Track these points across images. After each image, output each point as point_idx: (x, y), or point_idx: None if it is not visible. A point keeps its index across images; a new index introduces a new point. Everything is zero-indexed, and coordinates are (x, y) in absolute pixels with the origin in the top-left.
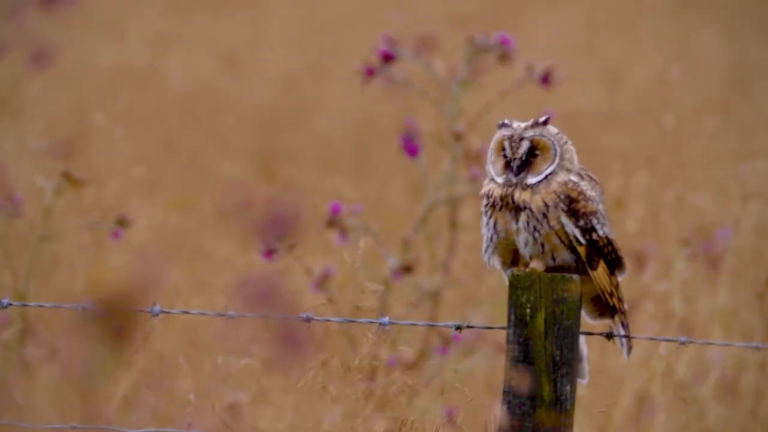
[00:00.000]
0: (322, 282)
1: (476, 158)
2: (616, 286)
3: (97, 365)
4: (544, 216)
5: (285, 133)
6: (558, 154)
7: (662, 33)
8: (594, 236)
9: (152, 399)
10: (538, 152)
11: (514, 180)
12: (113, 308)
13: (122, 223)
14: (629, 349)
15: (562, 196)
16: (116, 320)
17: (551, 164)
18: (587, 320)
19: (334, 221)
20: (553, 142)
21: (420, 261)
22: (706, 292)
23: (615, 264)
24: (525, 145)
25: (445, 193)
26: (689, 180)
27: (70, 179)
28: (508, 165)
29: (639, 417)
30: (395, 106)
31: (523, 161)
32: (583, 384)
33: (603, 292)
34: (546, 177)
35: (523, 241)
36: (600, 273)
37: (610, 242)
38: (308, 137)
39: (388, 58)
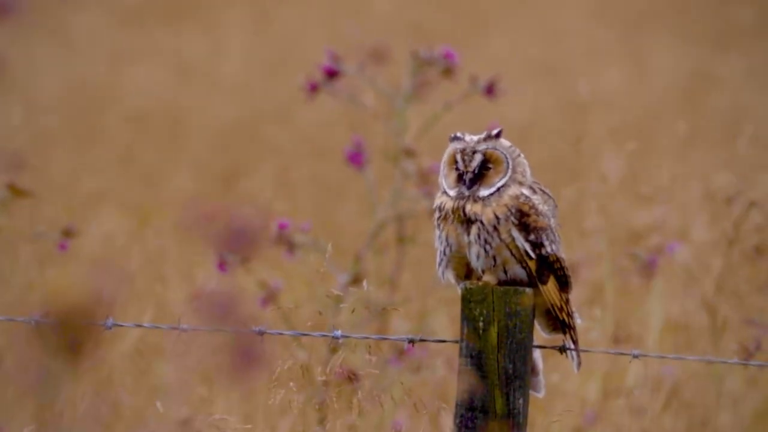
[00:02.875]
0: (271, 297)
1: (426, 175)
2: (566, 302)
3: (50, 378)
4: (495, 229)
5: (239, 145)
6: (510, 167)
7: (619, 44)
8: (543, 252)
9: (104, 412)
10: (490, 165)
11: (467, 193)
12: (66, 321)
13: (68, 234)
14: (579, 363)
15: (513, 210)
16: (69, 333)
17: (503, 177)
18: (542, 334)
19: (281, 237)
20: (505, 155)
21: (370, 276)
22: (651, 304)
23: (563, 282)
24: (478, 158)
25: (395, 209)
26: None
27: (15, 191)
28: (460, 178)
29: (588, 430)
30: (346, 119)
31: (475, 174)
32: (539, 397)
33: (553, 307)
34: (498, 189)
35: (475, 254)
36: (550, 288)
37: (558, 260)
38: (263, 150)
39: (332, 74)
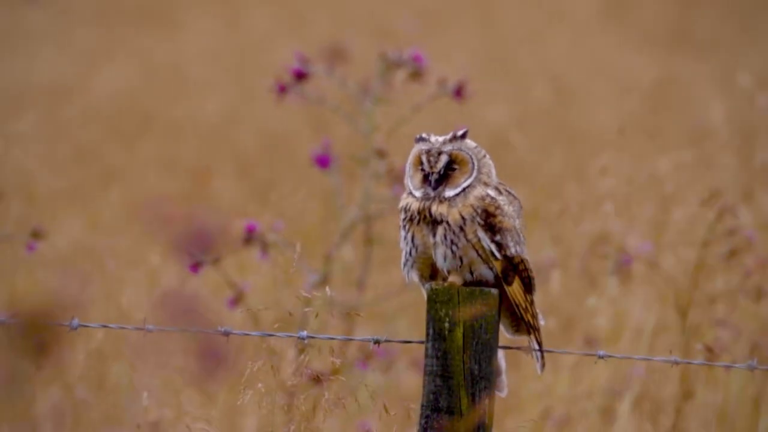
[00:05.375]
0: (239, 298)
1: (396, 176)
2: (531, 303)
3: (16, 379)
4: (461, 229)
5: (206, 145)
6: (476, 167)
7: (586, 48)
8: (508, 253)
9: (69, 412)
10: (456, 166)
11: (432, 194)
12: (32, 322)
13: (37, 235)
14: (543, 364)
15: (479, 210)
16: (35, 334)
17: (469, 177)
18: (506, 335)
19: (250, 239)
20: (471, 155)
21: (338, 277)
22: (625, 306)
23: (528, 284)
24: (444, 159)
25: (363, 210)
26: (609, 194)
27: None
28: (426, 179)
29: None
30: (312, 120)
31: (441, 175)
32: (501, 397)
33: (518, 307)
34: (464, 190)
35: (441, 255)
36: (515, 288)
37: (523, 261)
38: (229, 150)
39: (300, 75)
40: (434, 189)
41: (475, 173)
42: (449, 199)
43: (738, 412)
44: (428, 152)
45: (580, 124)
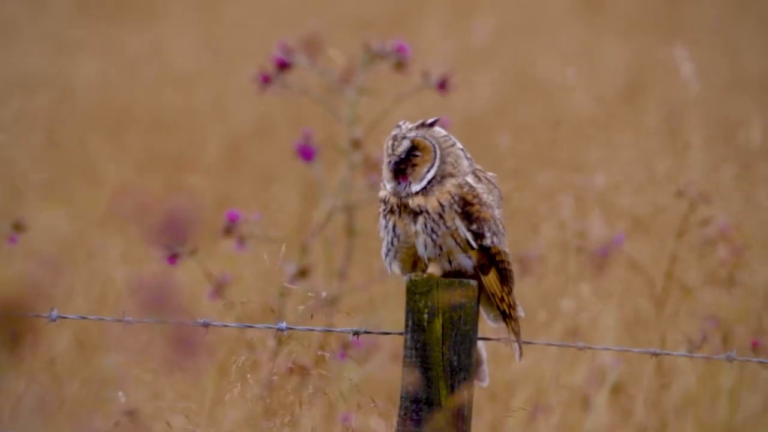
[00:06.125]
0: (219, 289)
1: (374, 165)
2: (508, 293)
3: None
4: (441, 216)
5: (184, 137)
6: (438, 156)
7: (568, 37)
8: (485, 243)
9: (47, 403)
10: (418, 153)
11: (400, 191)
12: (9, 313)
13: (18, 227)
14: (521, 354)
15: (456, 198)
16: (12, 325)
17: (431, 167)
18: (488, 323)
19: (230, 229)
20: (434, 144)
21: (317, 267)
22: (600, 299)
23: (504, 275)
24: (405, 144)
25: (342, 200)
26: (581, 184)
27: None
28: (389, 166)
29: (532, 422)
30: (291, 111)
31: (401, 159)
32: (483, 387)
33: (494, 296)
34: (429, 182)
35: (422, 243)
36: (491, 278)
37: (500, 252)
38: (207, 141)
39: (283, 65)
40: (395, 177)
41: (437, 162)
42: (421, 191)
43: (714, 402)
44: (394, 137)
45: (556, 112)
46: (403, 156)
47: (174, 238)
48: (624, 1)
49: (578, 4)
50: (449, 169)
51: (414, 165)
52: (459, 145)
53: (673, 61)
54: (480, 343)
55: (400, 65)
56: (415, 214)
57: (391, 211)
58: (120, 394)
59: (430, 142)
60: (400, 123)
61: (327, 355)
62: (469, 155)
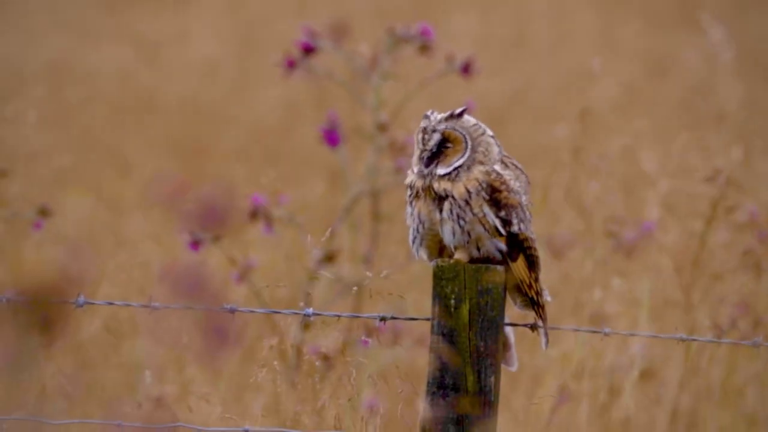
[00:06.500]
0: (245, 274)
1: (400, 149)
2: (536, 280)
3: (22, 356)
4: (467, 203)
5: (209, 124)
6: (470, 146)
7: (587, 25)
8: (512, 230)
9: (77, 389)
10: (449, 144)
11: (425, 171)
12: (38, 299)
13: (44, 213)
14: (547, 341)
15: (485, 185)
16: (41, 311)
17: (462, 157)
18: (514, 308)
19: (256, 213)
20: (464, 135)
21: (344, 252)
22: (629, 283)
23: (532, 261)
24: (436, 138)
25: (368, 185)
26: (613, 171)
27: None
28: (420, 156)
29: (559, 408)
30: (315, 97)
31: (433, 153)
32: (511, 371)
33: (522, 283)
34: (456, 169)
35: (449, 230)
36: (519, 265)
37: (528, 239)
38: (231, 128)
39: (308, 50)
40: (426, 166)
41: (468, 152)
42: (448, 175)
43: (743, 389)
44: (424, 130)
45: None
46: (435, 149)
47: (209, 223)
48: None
49: None
50: (480, 157)
51: (446, 156)
52: (489, 132)
53: (702, 29)
54: (507, 328)
55: (424, 48)
56: (441, 199)
57: (417, 196)
58: (147, 373)
59: (461, 133)
60: (428, 113)
61: (355, 339)
62: (498, 142)
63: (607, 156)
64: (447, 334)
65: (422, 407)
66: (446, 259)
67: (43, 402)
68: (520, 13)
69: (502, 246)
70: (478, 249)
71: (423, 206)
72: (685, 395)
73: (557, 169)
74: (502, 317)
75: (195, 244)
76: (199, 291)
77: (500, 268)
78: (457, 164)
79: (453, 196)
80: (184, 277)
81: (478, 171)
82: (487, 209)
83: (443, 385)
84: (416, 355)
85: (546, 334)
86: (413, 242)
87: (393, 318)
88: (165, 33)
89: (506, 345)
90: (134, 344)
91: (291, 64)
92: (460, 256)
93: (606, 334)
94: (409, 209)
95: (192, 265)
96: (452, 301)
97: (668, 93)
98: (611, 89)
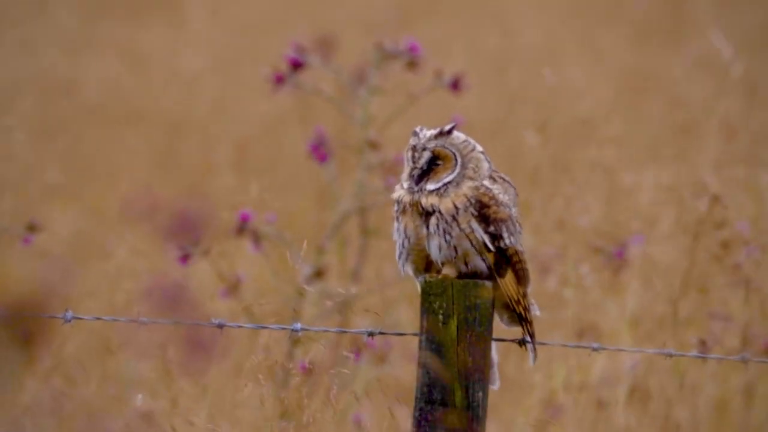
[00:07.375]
0: (233, 288)
1: (390, 168)
2: (524, 295)
3: (5, 370)
4: (454, 219)
5: (196, 138)
6: (460, 163)
7: (574, 36)
8: (502, 244)
9: (61, 404)
10: (439, 162)
11: (415, 188)
12: (23, 314)
13: (32, 228)
14: (535, 356)
15: (473, 200)
16: (23, 325)
17: (452, 173)
18: (502, 325)
19: (243, 229)
20: (454, 152)
21: (332, 268)
22: (616, 298)
23: (521, 276)
24: (426, 156)
25: (357, 201)
26: (600, 186)
27: None
28: (410, 173)
29: (548, 423)
30: (302, 111)
31: (423, 170)
32: (494, 390)
33: (510, 299)
34: (445, 185)
35: (435, 246)
36: (507, 281)
37: (517, 253)
38: (220, 142)
39: (297, 65)
40: (416, 183)
41: (458, 169)
42: (437, 191)
43: (731, 403)
44: (414, 148)
45: (569, 113)
46: (425, 168)
47: (187, 238)
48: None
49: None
50: (470, 173)
51: (436, 173)
52: (479, 148)
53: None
54: (492, 346)
55: (412, 64)
56: (427, 214)
57: (404, 211)
58: (139, 396)
59: (451, 151)
60: (417, 130)
61: (344, 355)
62: (488, 158)
63: (590, 169)
64: (435, 349)
65: (410, 422)
66: (434, 275)
67: (30, 417)
68: (506, 25)
69: (487, 263)
70: (466, 264)
71: (409, 221)
72: (675, 409)
73: (538, 183)
74: (490, 332)
75: (184, 258)
76: (185, 306)
77: (488, 283)
78: (446, 180)
79: (440, 211)
80: (169, 292)
81: (467, 187)
82: (475, 225)
83: (431, 400)
84: (404, 370)
85: (534, 350)
86: (399, 257)
87: (381, 333)
88: (153, 46)
89: (489, 362)
90: (120, 359)
91: (279, 80)
92: (448, 271)
93: (594, 350)
94: (396, 224)
95: (177, 280)
96: (440, 317)
97: (652, 106)
98: (596, 102)
